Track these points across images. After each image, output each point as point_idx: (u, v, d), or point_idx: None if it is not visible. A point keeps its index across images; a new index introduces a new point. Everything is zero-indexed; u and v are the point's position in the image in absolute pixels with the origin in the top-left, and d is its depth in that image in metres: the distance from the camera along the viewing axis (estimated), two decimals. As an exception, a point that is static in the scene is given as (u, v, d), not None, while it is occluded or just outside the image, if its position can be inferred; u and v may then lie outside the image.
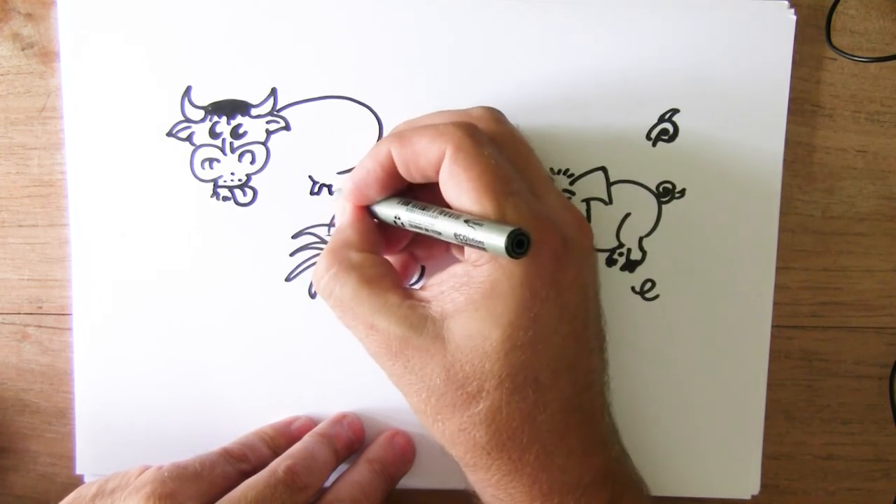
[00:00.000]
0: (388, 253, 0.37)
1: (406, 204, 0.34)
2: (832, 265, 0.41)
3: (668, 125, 0.39)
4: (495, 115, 0.35)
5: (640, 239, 0.40)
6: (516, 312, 0.31)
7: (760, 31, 0.39)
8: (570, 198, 0.39)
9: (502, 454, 0.32)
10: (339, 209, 0.36)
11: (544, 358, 0.32)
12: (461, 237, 0.31)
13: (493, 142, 0.33)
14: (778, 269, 0.40)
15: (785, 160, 0.40)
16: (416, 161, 0.33)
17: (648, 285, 0.40)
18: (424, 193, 0.35)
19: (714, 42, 0.39)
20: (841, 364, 0.42)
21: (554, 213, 0.33)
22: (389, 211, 0.34)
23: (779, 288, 0.40)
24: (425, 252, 0.38)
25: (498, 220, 0.30)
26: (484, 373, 0.31)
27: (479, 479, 0.34)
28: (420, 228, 0.33)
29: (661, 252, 0.40)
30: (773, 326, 0.40)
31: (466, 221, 0.30)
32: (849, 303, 0.41)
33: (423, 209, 0.33)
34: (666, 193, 0.40)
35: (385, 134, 0.39)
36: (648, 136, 0.39)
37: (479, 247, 0.30)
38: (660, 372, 0.40)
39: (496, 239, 0.29)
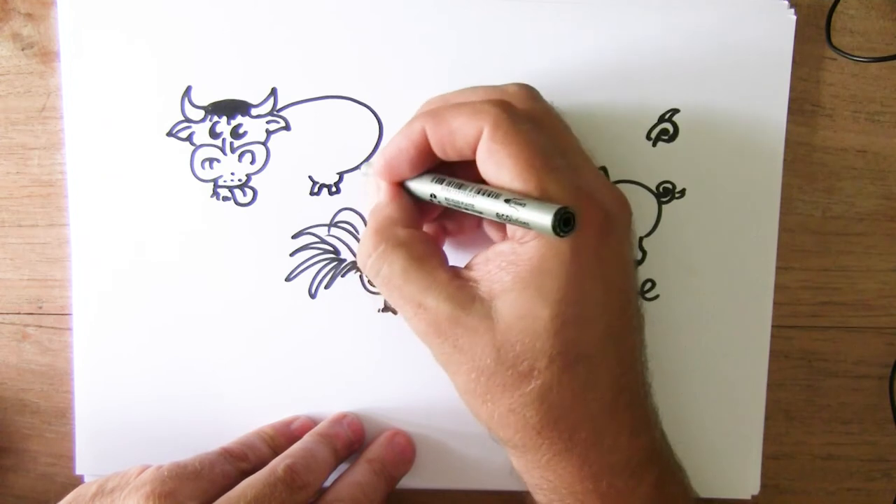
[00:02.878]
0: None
1: (441, 181, 0.33)
2: (832, 265, 0.41)
3: (668, 125, 0.39)
4: (531, 91, 0.35)
5: (641, 239, 0.40)
6: (566, 289, 0.31)
7: (760, 31, 0.39)
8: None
9: (553, 433, 0.32)
10: (373, 187, 0.35)
11: (593, 334, 0.32)
12: (504, 216, 0.30)
13: (529, 119, 0.32)
14: (778, 269, 0.40)
15: (785, 160, 0.40)
16: (452, 140, 0.32)
17: (648, 285, 0.40)
18: (454, 168, 0.34)
19: (714, 42, 0.39)
20: (841, 364, 0.42)
21: (595, 188, 0.33)
22: (424, 188, 0.34)
23: (779, 288, 0.40)
24: (456, 225, 0.38)
25: (541, 198, 0.30)
26: (535, 351, 0.31)
27: (528, 460, 0.33)
28: (458, 206, 0.32)
29: (661, 252, 0.40)
30: (773, 326, 0.40)
31: (507, 201, 0.30)
32: (849, 303, 0.41)
33: (460, 187, 0.32)
34: (666, 193, 0.40)
35: (385, 125, 0.39)
36: (648, 136, 0.39)
37: (524, 226, 0.30)
38: (660, 372, 0.40)
39: (542, 218, 0.29)
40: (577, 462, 0.32)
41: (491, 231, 0.36)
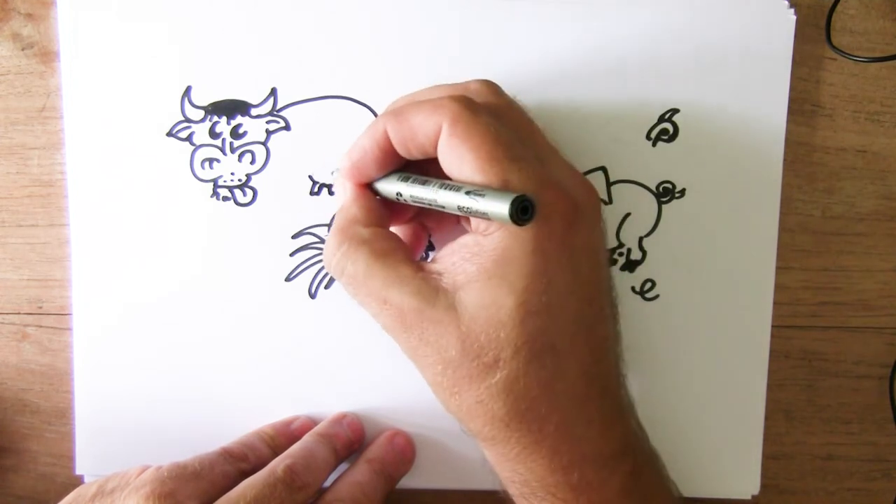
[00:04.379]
0: (395, 224, 0.37)
1: (406, 179, 0.33)
2: (832, 265, 0.41)
3: (668, 125, 0.39)
4: (492, 87, 0.34)
5: (640, 239, 0.40)
6: (530, 278, 0.30)
7: (760, 31, 0.39)
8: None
9: (521, 425, 0.31)
10: (339, 188, 0.35)
11: (560, 324, 0.31)
12: (465, 209, 0.30)
13: (490, 112, 0.32)
14: (778, 269, 0.40)
15: (785, 160, 0.40)
16: (413, 138, 0.32)
17: (648, 285, 0.40)
18: (423, 166, 0.34)
19: (714, 42, 0.39)
20: (841, 364, 0.42)
21: (561, 178, 0.32)
22: (390, 187, 0.34)
23: (779, 288, 0.40)
24: (434, 222, 0.38)
25: (500, 188, 0.30)
26: (499, 342, 0.31)
27: (498, 453, 0.33)
28: (423, 203, 0.32)
29: (661, 252, 0.40)
30: (773, 326, 0.40)
31: (468, 193, 0.30)
32: (849, 303, 0.41)
33: (424, 183, 0.32)
34: (666, 193, 0.40)
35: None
36: (648, 136, 0.39)
37: (484, 217, 0.29)
38: (660, 372, 0.40)
39: (500, 207, 0.28)
40: (548, 454, 0.32)
41: (468, 226, 0.36)
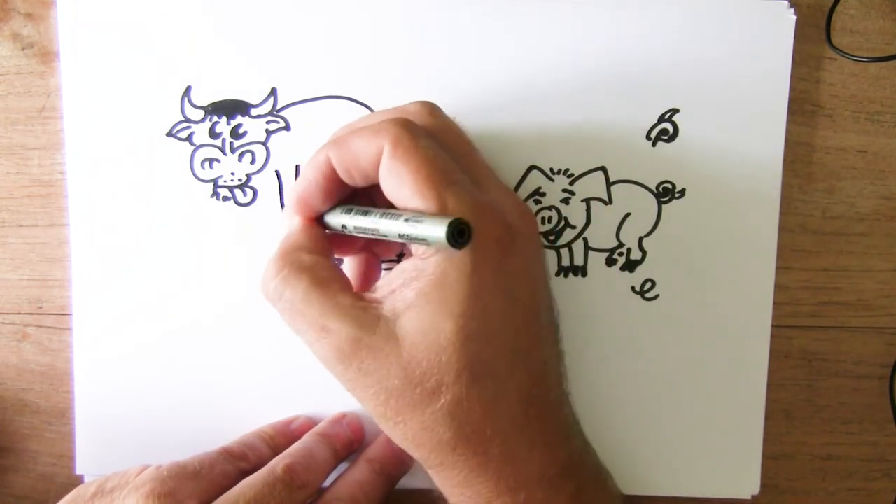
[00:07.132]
0: (345, 254, 0.38)
1: (349, 211, 0.34)
2: (832, 265, 0.41)
3: (668, 125, 0.39)
4: (431, 108, 0.35)
5: (640, 239, 0.40)
6: (467, 303, 0.31)
7: (760, 31, 0.39)
8: (569, 197, 0.40)
9: (467, 449, 0.32)
10: (286, 222, 0.35)
11: (499, 348, 0.32)
12: (405, 236, 0.30)
13: (430, 135, 0.33)
14: (778, 269, 0.40)
15: (785, 160, 0.40)
16: (355, 163, 0.32)
17: (648, 285, 0.40)
18: (370, 196, 0.35)
19: (714, 42, 0.39)
20: (841, 364, 0.42)
21: (496, 201, 0.33)
22: (336, 220, 0.34)
23: (779, 288, 0.40)
24: (385, 249, 0.38)
25: (437, 214, 0.30)
26: (441, 367, 0.31)
27: (446, 477, 0.33)
28: (367, 233, 0.33)
29: (661, 252, 0.40)
30: (773, 326, 0.40)
31: (406, 220, 0.30)
32: (849, 303, 0.41)
33: (365, 213, 0.33)
34: (666, 193, 0.40)
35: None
36: (648, 136, 0.39)
37: (423, 242, 0.30)
38: (660, 372, 0.40)
39: (437, 231, 0.29)
40: (493, 476, 0.32)
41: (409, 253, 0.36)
